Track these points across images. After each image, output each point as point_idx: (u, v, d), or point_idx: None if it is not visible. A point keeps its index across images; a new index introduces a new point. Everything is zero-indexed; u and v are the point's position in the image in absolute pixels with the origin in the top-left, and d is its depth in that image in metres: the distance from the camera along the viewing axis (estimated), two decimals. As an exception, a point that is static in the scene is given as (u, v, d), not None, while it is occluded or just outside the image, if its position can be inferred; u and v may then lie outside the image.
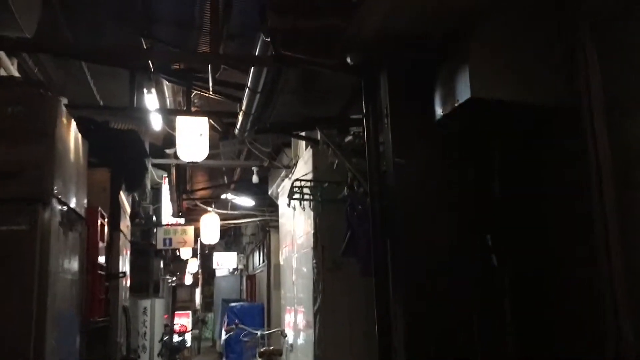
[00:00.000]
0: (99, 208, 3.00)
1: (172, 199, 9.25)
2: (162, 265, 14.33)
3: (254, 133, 5.14)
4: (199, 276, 29.14)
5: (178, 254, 17.54)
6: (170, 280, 16.16)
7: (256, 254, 14.60)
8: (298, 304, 6.08)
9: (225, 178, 9.14)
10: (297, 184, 5.05)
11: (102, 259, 3.28)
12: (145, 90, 5.33)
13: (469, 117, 2.96)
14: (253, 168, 7.22)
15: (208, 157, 7.30)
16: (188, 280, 27.02)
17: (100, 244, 3.22)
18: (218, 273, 20.67)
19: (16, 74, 4.14)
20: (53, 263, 2.45)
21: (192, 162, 5.74)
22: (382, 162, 3.35)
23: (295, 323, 6.29)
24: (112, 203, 3.91)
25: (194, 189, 9.20)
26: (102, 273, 3.26)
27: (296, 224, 6.13)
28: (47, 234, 2.42)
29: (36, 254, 2.35)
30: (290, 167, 6.89)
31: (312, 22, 3.23)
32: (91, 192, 3.87)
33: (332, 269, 5.22)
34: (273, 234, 11.22)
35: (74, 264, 2.78)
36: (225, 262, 17.71)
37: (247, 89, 4.33)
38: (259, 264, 13.74)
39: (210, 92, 5.23)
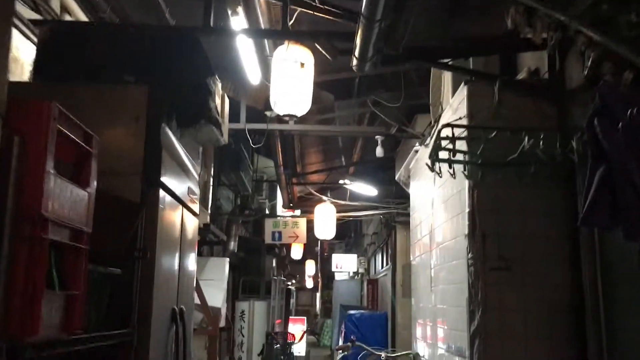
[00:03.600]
0: (53, 103, 1.43)
1: (280, 185, 7.78)
2: (274, 264, 13.06)
3: (379, 62, 3.43)
4: (319, 280, 28.05)
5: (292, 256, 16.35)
6: (285, 282, 14.91)
7: (378, 256, 12.87)
8: (440, 319, 4.26)
9: (343, 159, 7.51)
10: (446, 132, 3.25)
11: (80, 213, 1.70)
12: (229, 11, 3.81)
13: None
14: (377, 137, 5.52)
15: (321, 123, 5.72)
16: (308, 283, 26.02)
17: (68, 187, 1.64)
18: (337, 277, 19.20)
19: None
20: None
21: (290, 116, 4.14)
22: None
23: (434, 344, 4.47)
24: (149, 140, 2.37)
25: (306, 172, 7.69)
26: (81, 246, 1.70)
27: (438, 204, 4.32)
28: None
29: None
30: (425, 137, 5.09)
31: None
32: (112, 120, 2.37)
33: (498, 269, 3.37)
34: (400, 231, 9.42)
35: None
36: (344, 265, 16.17)
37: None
38: (382, 267, 11.99)
39: (316, 7, 3.61)
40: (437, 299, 4.39)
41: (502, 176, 3.44)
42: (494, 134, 3.13)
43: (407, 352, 5.06)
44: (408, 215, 9.25)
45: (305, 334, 11.33)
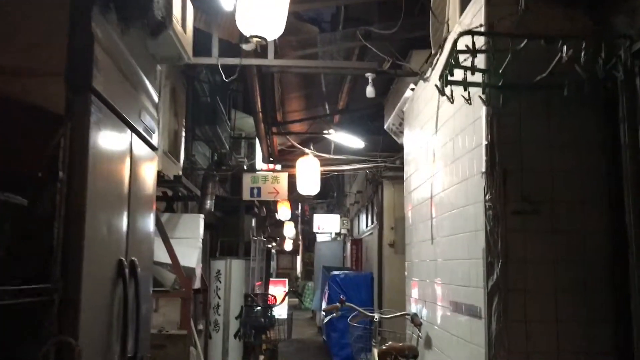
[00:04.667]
0: None
1: (258, 135, 7.10)
2: (253, 224, 12.45)
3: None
4: (299, 242, 27.57)
5: (277, 216, 15.74)
6: (266, 244, 14.34)
7: (362, 215, 12.35)
8: (443, 275, 3.71)
9: (327, 107, 6.86)
10: (465, 41, 2.62)
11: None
12: None
13: None
14: (367, 75, 4.86)
15: (304, 58, 5.05)
16: (288, 246, 25.54)
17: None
18: (319, 238, 18.72)
19: None
20: None
21: (259, 38, 3.47)
22: None
23: (434, 304, 3.94)
24: (75, 28, 1.71)
25: (287, 120, 7.02)
26: None
27: (443, 142, 3.71)
28: None
29: None
30: (424, 73, 4.47)
31: None
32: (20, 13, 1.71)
33: (522, 212, 2.79)
34: (387, 187, 8.87)
35: None
36: (326, 226, 15.65)
37: None
38: (367, 227, 11.47)
39: None
40: (439, 252, 3.83)
41: (527, 101, 2.85)
42: (523, 43, 2.51)
43: (402, 312, 4.52)
44: (396, 169, 8.73)
45: (287, 296, 10.81)
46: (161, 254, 5.86)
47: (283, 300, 9.26)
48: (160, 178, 6.02)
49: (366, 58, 5.12)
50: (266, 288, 12.35)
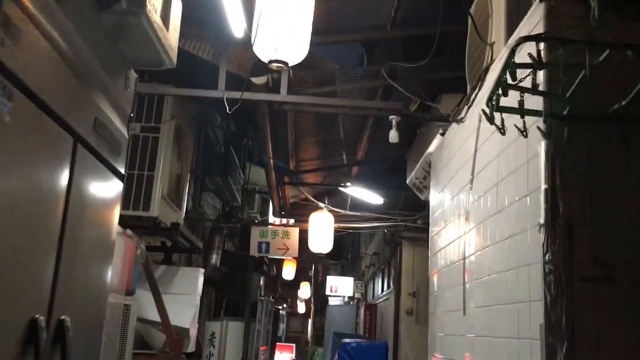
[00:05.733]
0: None
1: (269, 185, 6.51)
2: (262, 283, 11.71)
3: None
4: (311, 305, 26.52)
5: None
6: (274, 304, 13.54)
7: (378, 279, 11.56)
8: (479, 355, 2.98)
9: (345, 157, 6.27)
10: (528, 48, 2.02)
11: None
12: None
13: None
14: (391, 118, 4.29)
15: (323, 95, 4.51)
16: (300, 308, 24.53)
17: None
18: (331, 302, 17.81)
19: None
20: None
21: (280, 64, 2.95)
22: None
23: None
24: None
25: (300, 169, 6.44)
26: None
27: (483, 187, 3.05)
28: None
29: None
30: (455, 114, 3.89)
31: None
32: None
33: (594, 279, 2.12)
34: (406, 249, 8.16)
35: None
36: (339, 288, 14.82)
37: None
38: (382, 291, 10.68)
39: None
40: (474, 326, 3.12)
41: (600, 135, 2.23)
42: (605, 53, 1.91)
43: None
44: (417, 229, 8.04)
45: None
46: (154, 311, 5.21)
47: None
48: (156, 225, 5.44)
49: (390, 100, 4.56)
50: (271, 353, 11.48)
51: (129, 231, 4.49)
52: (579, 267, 2.13)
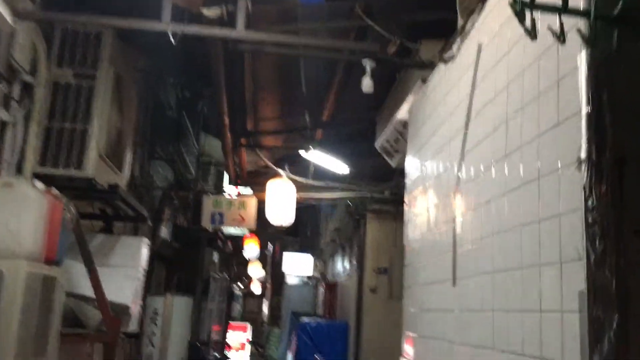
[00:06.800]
0: None
1: (224, 148, 5.83)
2: (216, 260, 11.06)
3: None
4: (267, 285, 25.92)
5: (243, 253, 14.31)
6: (229, 283, 12.90)
7: (339, 256, 11.05)
8: (479, 334, 2.43)
9: (307, 117, 5.64)
10: None
11: None
12: None
13: None
14: (365, 62, 3.69)
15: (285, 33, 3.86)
16: (255, 289, 23.95)
17: None
18: (289, 281, 17.27)
19: None
20: None
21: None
22: None
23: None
24: None
25: (259, 130, 5.78)
26: None
27: (486, 124, 2.48)
28: None
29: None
30: (439, 61, 3.32)
31: None
32: None
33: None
34: (371, 223, 7.62)
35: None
36: (298, 266, 14.29)
37: None
38: (344, 269, 10.17)
39: None
40: (468, 298, 2.58)
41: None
42: None
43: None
44: (384, 202, 7.54)
45: (247, 345, 9.39)
46: (89, 285, 4.54)
47: (241, 349, 7.86)
48: (92, 187, 4.74)
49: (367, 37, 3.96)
50: (225, 333, 10.87)
51: (54, 190, 3.79)
52: (634, 214, 1.58)
